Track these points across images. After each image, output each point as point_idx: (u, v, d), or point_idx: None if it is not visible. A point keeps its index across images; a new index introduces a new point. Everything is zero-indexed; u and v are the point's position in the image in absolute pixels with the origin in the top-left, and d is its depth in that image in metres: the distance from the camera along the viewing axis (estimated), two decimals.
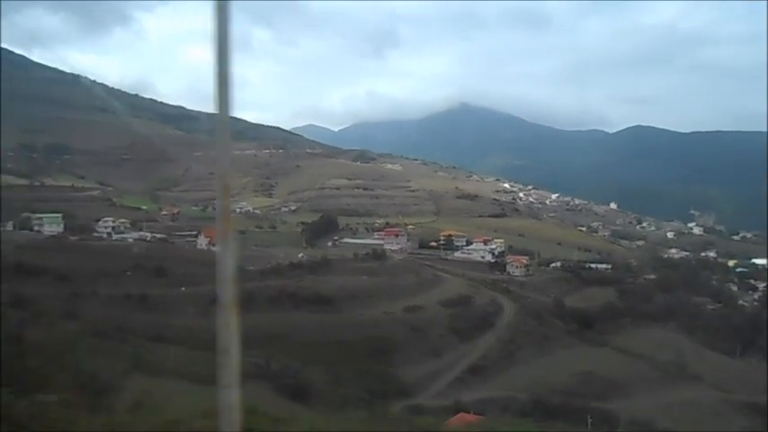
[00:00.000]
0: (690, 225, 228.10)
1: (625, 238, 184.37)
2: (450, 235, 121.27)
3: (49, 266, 63.71)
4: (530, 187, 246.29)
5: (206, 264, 78.09)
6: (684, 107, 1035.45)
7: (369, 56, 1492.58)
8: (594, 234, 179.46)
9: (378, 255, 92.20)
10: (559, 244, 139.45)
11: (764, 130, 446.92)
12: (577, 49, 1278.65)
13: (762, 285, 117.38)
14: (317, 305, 67.30)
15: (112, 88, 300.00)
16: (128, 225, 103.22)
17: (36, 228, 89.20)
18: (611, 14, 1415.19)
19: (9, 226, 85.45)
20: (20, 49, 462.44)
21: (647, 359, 72.54)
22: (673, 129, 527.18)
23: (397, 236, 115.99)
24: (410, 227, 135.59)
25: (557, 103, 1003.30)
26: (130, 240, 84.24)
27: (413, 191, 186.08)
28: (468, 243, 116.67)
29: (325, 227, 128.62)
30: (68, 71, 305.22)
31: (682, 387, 66.07)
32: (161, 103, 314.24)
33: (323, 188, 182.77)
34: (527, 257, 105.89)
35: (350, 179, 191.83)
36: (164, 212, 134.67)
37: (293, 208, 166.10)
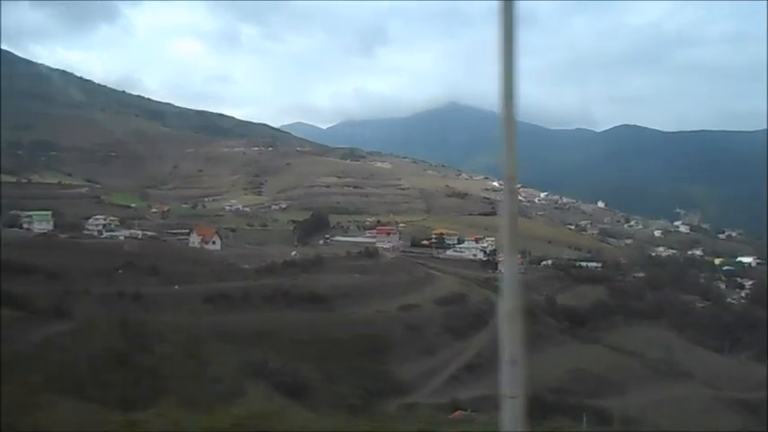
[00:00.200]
0: (676, 223, 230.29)
1: (613, 236, 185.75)
2: (441, 233, 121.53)
3: (39, 265, 62.95)
4: (518, 186, 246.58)
5: (199, 262, 78.09)
6: (670, 107, 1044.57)
7: (357, 53, 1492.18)
8: (583, 232, 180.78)
9: (370, 253, 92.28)
10: (549, 242, 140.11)
11: (749, 129, 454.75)
12: (564, 49, 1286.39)
13: (749, 283, 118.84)
14: (312, 303, 67.15)
15: (99, 84, 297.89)
16: (117, 223, 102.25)
17: (25, 225, 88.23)
18: (597, 14, 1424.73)
19: None
20: (4, 44, 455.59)
21: (639, 356, 73.22)
22: (659, 128, 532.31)
23: (388, 234, 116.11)
24: (401, 225, 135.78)
25: (544, 101, 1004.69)
26: (121, 238, 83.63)
27: (403, 189, 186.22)
28: (460, 241, 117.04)
29: (316, 225, 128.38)
30: (54, 67, 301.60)
31: (673, 384, 66.73)
32: (148, 99, 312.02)
33: (313, 186, 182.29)
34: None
35: (340, 177, 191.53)
36: (153, 210, 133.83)
37: (283, 206, 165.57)
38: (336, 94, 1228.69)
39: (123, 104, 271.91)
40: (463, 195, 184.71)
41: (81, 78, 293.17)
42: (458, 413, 38.90)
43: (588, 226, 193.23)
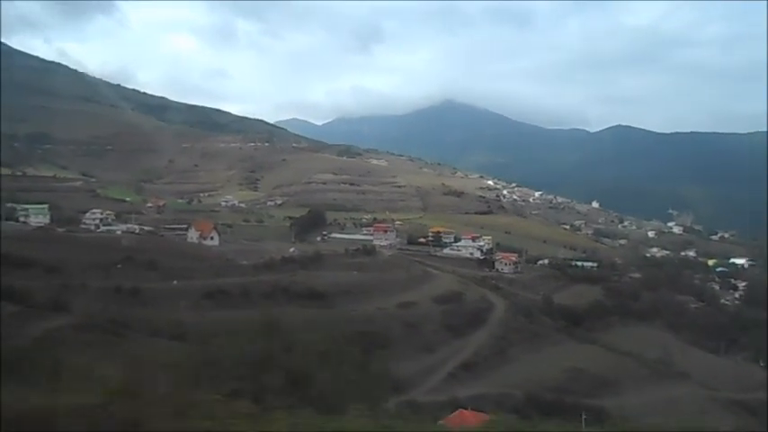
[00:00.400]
0: (669, 224, 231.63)
1: (607, 236, 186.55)
2: (438, 231, 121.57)
3: (38, 259, 62.63)
4: (513, 185, 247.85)
5: (197, 257, 77.79)
6: (664, 108, 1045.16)
7: (354, 50, 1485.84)
8: (578, 232, 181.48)
9: (368, 250, 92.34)
10: (545, 242, 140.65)
11: (742, 131, 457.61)
12: (560, 49, 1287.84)
13: (742, 285, 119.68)
14: (311, 300, 67.07)
15: (95, 78, 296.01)
16: (113, 217, 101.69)
17: (22, 219, 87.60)
18: (592, 15, 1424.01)
19: None
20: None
21: (635, 356, 73.52)
22: (653, 129, 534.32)
23: (385, 231, 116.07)
24: (398, 222, 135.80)
25: (539, 101, 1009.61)
26: (119, 233, 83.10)
27: (399, 187, 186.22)
28: (457, 240, 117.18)
29: (313, 221, 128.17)
30: (50, 60, 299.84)
31: (670, 384, 67.13)
32: (144, 93, 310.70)
33: (309, 183, 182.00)
34: (516, 255, 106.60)
35: (336, 174, 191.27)
36: (149, 205, 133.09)
37: (279, 202, 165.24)
38: (332, 90, 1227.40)
39: (119, 98, 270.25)
40: (459, 194, 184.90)
41: (77, 71, 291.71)
42: (460, 412, 39.05)
43: (583, 226, 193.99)
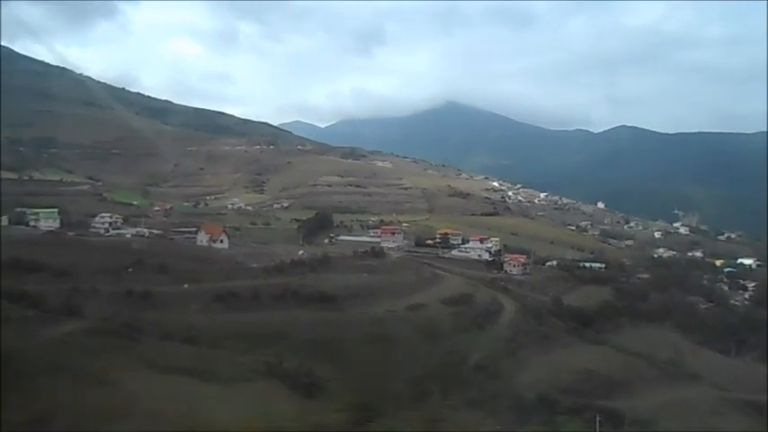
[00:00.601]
0: (675, 225, 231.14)
1: (614, 237, 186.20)
2: (446, 233, 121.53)
3: (49, 263, 62.70)
4: (518, 186, 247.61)
5: (207, 261, 77.78)
6: (668, 108, 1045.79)
7: (355, 53, 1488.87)
8: (585, 233, 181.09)
9: (376, 252, 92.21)
10: (552, 243, 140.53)
11: (747, 131, 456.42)
12: (562, 49, 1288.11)
13: (751, 285, 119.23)
14: (321, 303, 66.93)
15: (99, 82, 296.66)
16: (121, 221, 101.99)
17: (32, 223, 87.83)
18: (594, 15, 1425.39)
19: (4, 221, 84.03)
20: (3, 40, 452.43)
21: (646, 357, 73.26)
22: (657, 129, 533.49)
23: (393, 233, 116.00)
24: (404, 225, 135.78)
25: (542, 102, 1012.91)
26: (128, 236, 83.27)
27: (405, 188, 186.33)
28: (465, 241, 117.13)
29: (320, 224, 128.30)
30: (54, 64, 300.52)
31: (681, 385, 66.87)
32: (148, 96, 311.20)
33: (315, 185, 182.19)
34: (524, 256, 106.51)
35: (341, 176, 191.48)
36: (156, 208, 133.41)
37: (285, 204, 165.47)
38: (334, 93, 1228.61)
39: (123, 102, 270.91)
40: (465, 195, 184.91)
41: (81, 75, 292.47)
42: None
43: (589, 227, 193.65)
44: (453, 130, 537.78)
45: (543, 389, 57.39)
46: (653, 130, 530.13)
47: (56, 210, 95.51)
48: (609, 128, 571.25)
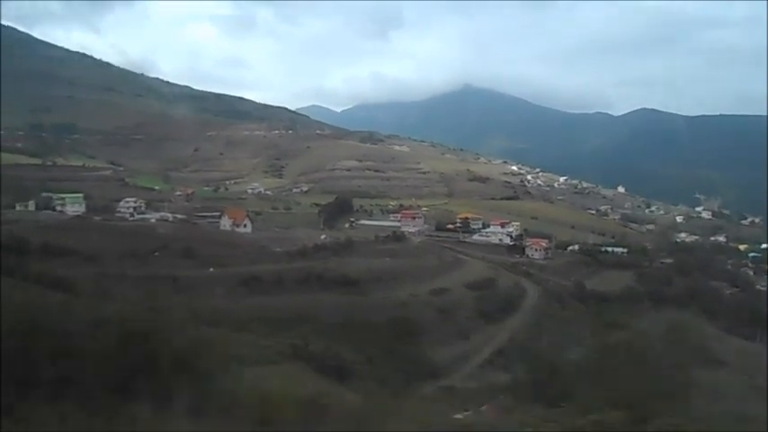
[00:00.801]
0: (697, 209, 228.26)
1: (635, 221, 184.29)
2: (466, 218, 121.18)
3: (77, 247, 63.70)
4: (537, 170, 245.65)
5: (231, 245, 78.44)
6: (690, 90, 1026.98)
7: (371, 36, 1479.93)
8: (605, 217, 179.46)
9: (397, 237, 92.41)
10: (573, 227, 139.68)
11: None
12: (580, 31, 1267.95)
13: None
14: (344, 287, 67.34)
15: (118, 67, 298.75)
16: (144, 206, 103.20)
17: (58, 208, 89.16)
18: None
19: (31, 206, 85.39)
20: (23, 27, 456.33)
21: (671, 343, 72.66)
22: (678, 112, 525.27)
23: (414, 218, 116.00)
24: (424, 209, 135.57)
25: (561, 85, 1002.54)
26: (153, 221, 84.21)
27: (424, 173, 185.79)
28: (485, 226, 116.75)
29: (340, 208, 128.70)
30: (73, 50, 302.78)
31: (707, 371, 66.30)
32: (167, 82, 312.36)
33: (333, 169, 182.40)
34: (546, 240, 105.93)
35: (360, 161, 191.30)
36: (177, 193, 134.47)
37: (305, 189, 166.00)
38: (351, 77, 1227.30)
39: (143, 87, 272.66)
40: (484, 179, 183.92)
41: (101, 61, 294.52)
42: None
43: (609, 211, 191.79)
44: (470, 114, 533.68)
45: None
46: (674, 112, 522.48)
47: (81, 195, 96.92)
48: (629, 111, 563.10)
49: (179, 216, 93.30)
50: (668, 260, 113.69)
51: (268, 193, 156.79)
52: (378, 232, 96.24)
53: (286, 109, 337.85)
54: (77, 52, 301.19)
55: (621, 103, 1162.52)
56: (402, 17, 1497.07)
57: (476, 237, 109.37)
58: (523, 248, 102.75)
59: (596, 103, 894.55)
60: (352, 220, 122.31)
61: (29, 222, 72.78)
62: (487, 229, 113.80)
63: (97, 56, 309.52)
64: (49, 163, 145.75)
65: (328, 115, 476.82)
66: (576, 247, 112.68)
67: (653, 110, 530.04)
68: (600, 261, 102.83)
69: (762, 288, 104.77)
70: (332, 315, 61.05)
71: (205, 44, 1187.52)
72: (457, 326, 66.69)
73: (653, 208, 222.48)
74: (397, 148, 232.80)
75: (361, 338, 57.58)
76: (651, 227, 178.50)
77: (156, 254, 66.50)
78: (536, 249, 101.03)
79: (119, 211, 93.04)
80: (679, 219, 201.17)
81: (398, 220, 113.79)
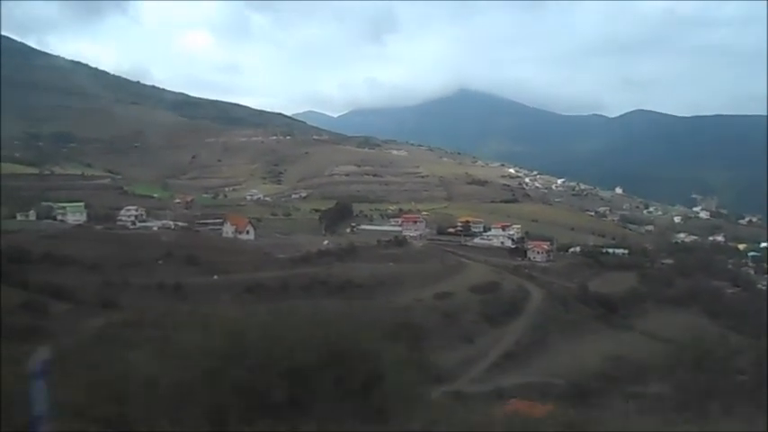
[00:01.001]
0: (695, 209, 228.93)
1: (633, 222, 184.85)
2: (467, 221, 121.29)
3: (80, 256, 63.53)
4: (535, 173, 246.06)
5: (235, 252, 78.31)
6: (684, 91, 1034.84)
7: (367, 41, 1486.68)
8: (604, 219, 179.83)
9: (399, 241, 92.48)
10: (573, 229, 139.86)
11: (763, 113, 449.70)
12: (574, 33, 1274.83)
13: None
14: (349, 292, 67.18)
15: (114, 76, 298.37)
16: (145, 214, 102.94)
17: (59, 217, 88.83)
18: None
19: (32, 215, 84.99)
20: (16, 36, 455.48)
21: (676, 343, 72.67)
22: (673, 113, 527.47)
23: (415, 222, 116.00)
24: (424, 213, 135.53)
25: (556, 87, 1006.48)
26: (155, 229, 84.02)
27: (423, 177, 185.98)
28: (487, 229, 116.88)
29: (340, 214, 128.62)
30: (69, 58, 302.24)
31: None
32: (162, 89, 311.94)
33: (332, 174, 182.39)
34: (548, 243, 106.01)
35: (358, 165, 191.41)
36: (176, 201, 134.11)
37: (304, 195, 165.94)
38: (347, 82, 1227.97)
39: (138, 95, 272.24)
40: (483, 183, 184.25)
41: (97, 69, 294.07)
42: (515, 402, 38.87)
43: (608, 212, 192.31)
44: (466, 118, 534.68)
45: (573, 375, 57.59)
46: (669, 113, 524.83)
47: (82, 204, 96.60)
48: (624, 112, 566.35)
49: (180, 224, 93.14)
50: (669, 261, 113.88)
51: (267, 199, 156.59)
52: (379, 237, 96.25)
53: (282, 115, 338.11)
54: (72, 61, 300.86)
55: (616, 105, 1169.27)
56: (397, 21, 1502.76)
57: (477, 240, 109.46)
58: (525, 251, 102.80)
59: (591, 104, 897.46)
60: (353, 225, 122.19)
61: (30, 232, 72.48)
62: (489, 233, 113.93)
63: (92, 64, 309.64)
64: (47, 172, 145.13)
65: (324, 121, 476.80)
66: (578, 249, 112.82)
67: (648, 111, 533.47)
68: (601, 263, 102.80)
69: (763, 287, 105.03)
70: (339, 321, 60.91)
71: (200, 51, 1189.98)
72: (462, 330, 66.50)
73: (651, 209, 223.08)
74: (394, 152, 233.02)
75: (368, 343, 57.59)
76: (650, 228, 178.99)
77: (160, 262, 66.42)
78: (538, 252, 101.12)
79: (120, 220, 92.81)
80: (677, 219, 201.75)
81: (399, 225, 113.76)
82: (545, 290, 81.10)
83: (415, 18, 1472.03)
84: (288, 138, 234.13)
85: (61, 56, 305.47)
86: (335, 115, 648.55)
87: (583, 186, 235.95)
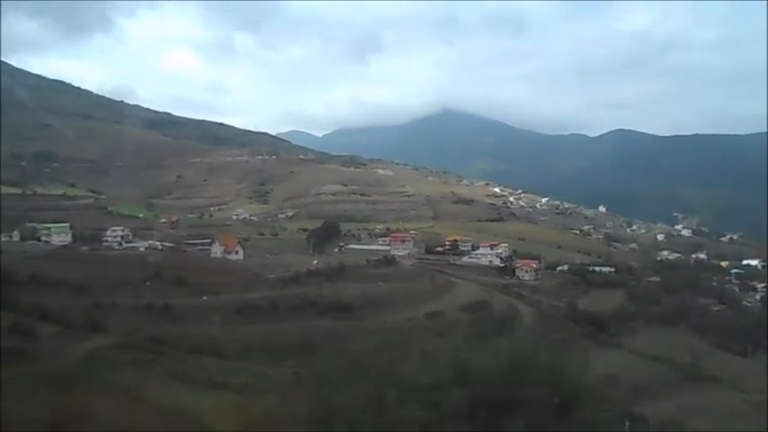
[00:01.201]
0: (677, 227, 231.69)
1: (617, 240, 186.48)
2: (455, 240, 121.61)
3: (66, 278, 62.49)
4: (519, 191, 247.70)
5: (224, 272, 77.56)
6: (663, 111, 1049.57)
7: (351, 60, 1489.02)
8: (588, 237, 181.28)
9: (388, 261, 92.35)
10: (559, 247, 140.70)
11: (743, 133, 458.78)
12: (556, 55, 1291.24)
13: (761, 286, 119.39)
14: (340, 312, 66.75)
15: (97, 95, 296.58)
16: (131, 234, 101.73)
17: (43, 238, 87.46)
18: (587, 20, 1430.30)
19: (15, 236, 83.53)
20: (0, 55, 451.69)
21: (665, 361, 73.21)
22: (653, 132, 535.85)
23: (403, 241, 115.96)
24: (411, 232, 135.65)
25: (538, 107, 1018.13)
26: (142, 249, 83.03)
27: (408, 196, 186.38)
28: (475, 248, 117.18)
29: (328, 233, 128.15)
30: (52, 78, 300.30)
31: (701, 388, 66.85)
32: (147, 109, 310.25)
33: (318, 194, 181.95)
34: (536, 261, 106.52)
35: (345, 185, 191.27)
36: (162, 220, 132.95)
37: (290, 214, 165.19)
38: (332, 102, 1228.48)
39: (122, 114, 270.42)
40: (469, 201, 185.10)
41: (80, 89, 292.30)
42: None
43: (592, 230, 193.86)
44: (450, 137, 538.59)
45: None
46: (649, 132, 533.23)
47: (67, 224, 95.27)
48: (605, 131, 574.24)
49: (168, 244, 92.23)
50: (655, 278, 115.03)
51: (253, 218, 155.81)
52: (368, 256, 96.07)
53: (267, 134, 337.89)
54: (55, 80, 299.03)
55: (598, 125, 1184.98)
56: (381, 41, 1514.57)
57: (465, 259, 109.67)
58: (514, 270, 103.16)
59: (572, 124, 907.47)
60: (341, 244, 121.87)
61: (15, 254, 71.12)
62: (477, 251, 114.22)
63: (75, 84, 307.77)
64: (30, 192, 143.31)
65: (309, 140, 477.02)
66: (565, 267, 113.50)
67: (628, 130, 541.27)
68: (589, 281, 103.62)
69: (748, 304, 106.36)
70: (330, 342, 60.38)
71: (185, 71, 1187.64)
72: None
73: (634, 227, 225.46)
74: (380, 171, 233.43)
75: (361, 364, 57.08)
76: (634, 246, 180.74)
77: (148, 283, 65.49)
78: (526, 270, 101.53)
79: (106, 240, 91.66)
80: (660, 237, 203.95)
81: (388, 244, 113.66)
82: (534, 308, 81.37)
83: (399, 38, 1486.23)
84: (273, 157, 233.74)
85: (43, 75, 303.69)
86: (320, 134, 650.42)
87: (567, 205, 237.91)
